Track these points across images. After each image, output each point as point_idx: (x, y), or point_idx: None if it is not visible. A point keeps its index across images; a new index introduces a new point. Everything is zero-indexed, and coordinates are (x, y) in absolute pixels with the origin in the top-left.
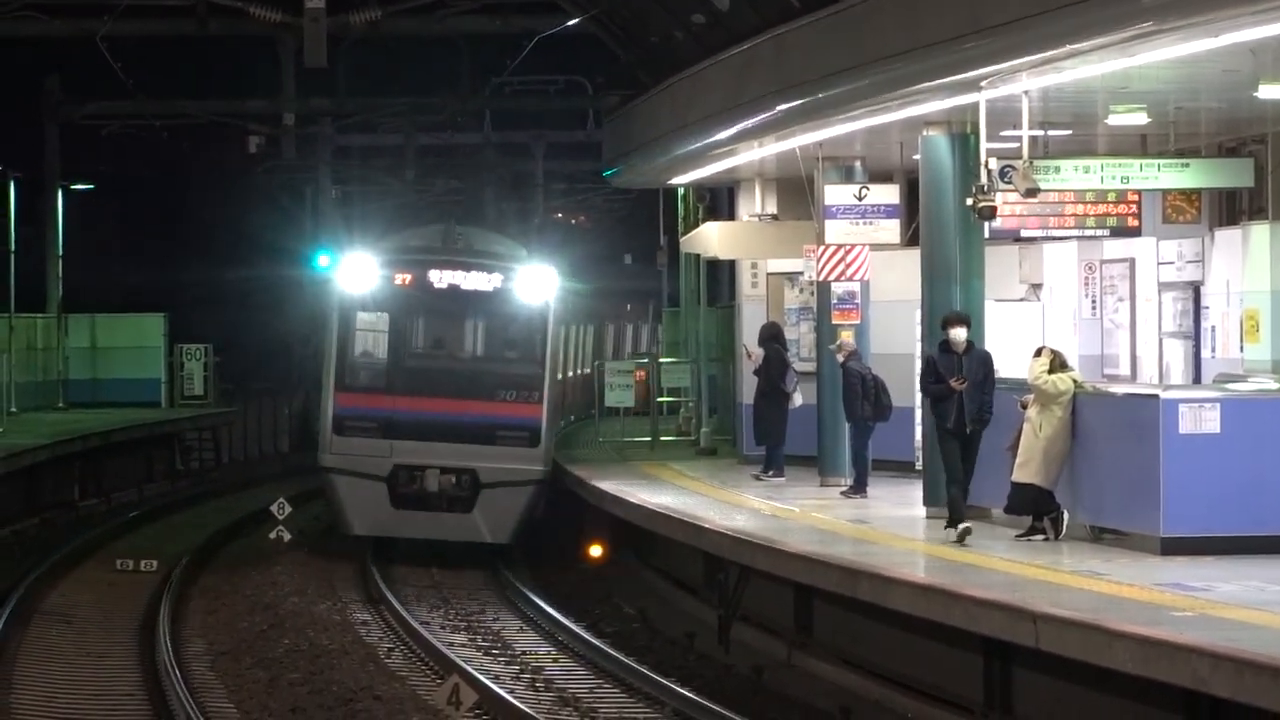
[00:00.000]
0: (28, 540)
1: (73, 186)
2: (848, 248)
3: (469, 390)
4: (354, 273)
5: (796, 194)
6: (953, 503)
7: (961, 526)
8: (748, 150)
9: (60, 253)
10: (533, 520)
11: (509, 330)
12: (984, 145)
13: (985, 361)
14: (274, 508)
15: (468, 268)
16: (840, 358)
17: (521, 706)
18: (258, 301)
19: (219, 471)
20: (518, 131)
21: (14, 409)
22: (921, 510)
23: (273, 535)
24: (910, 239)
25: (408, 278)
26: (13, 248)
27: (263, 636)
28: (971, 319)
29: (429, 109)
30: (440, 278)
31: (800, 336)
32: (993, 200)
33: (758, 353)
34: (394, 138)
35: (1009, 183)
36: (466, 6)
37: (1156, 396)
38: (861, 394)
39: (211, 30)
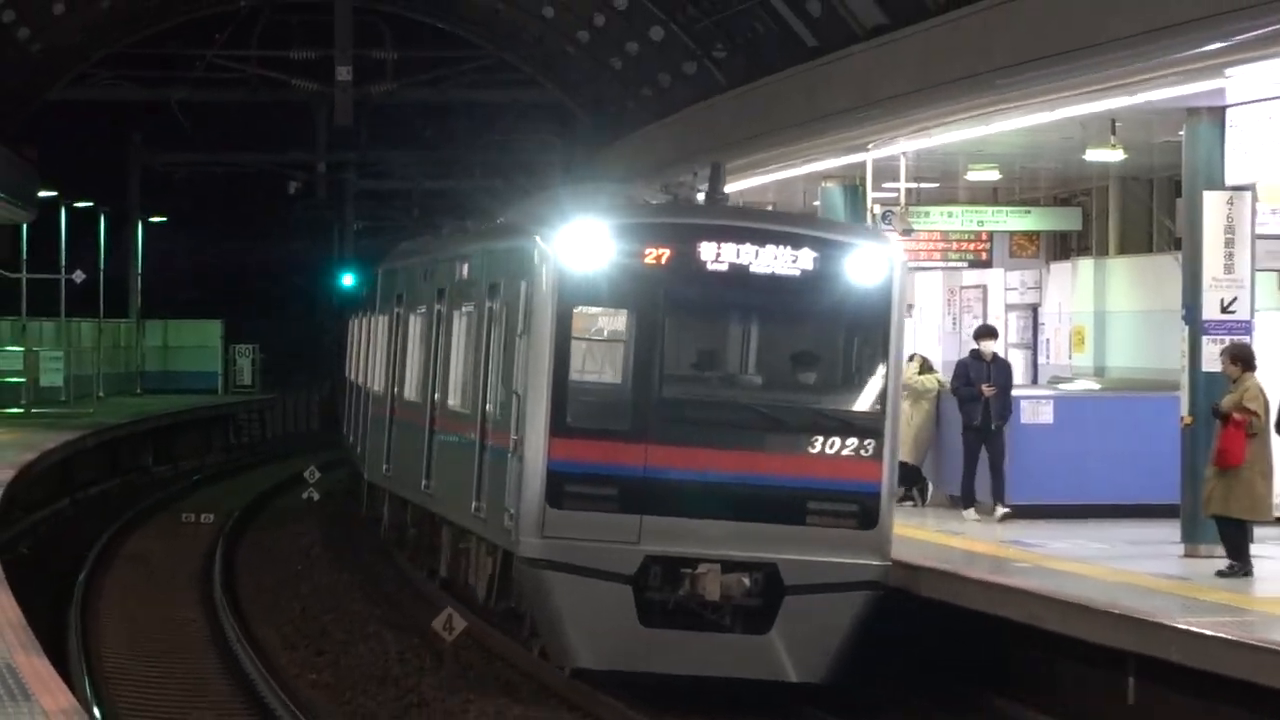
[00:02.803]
0: (112, 498)
1: (150, 219)
2: None
3: (766, 438)
4: (577, 246)
5: None
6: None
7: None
8: None
9: (140, 271)
10: (859, 646)
11: (830, 342)
12: (870, 194)
13: (1008, 370)
14: (306, 474)
15: (763, 239)
16: None
17: (501, 635)
18: (294, 311)
19: (264, 445)
20: (503, 179)
21: (102, 394)
22: None
23: (305, 495)
24: None
25: (664, 254)
26: (102, 266)
27: (297, 576)
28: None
29: (433, 161)
30: (718, 255)
31: None
32: None
33: None
34: (406, 183)
35: (889, 224)
36: (464, 81)
37: None
38: None
39: (261, 97)
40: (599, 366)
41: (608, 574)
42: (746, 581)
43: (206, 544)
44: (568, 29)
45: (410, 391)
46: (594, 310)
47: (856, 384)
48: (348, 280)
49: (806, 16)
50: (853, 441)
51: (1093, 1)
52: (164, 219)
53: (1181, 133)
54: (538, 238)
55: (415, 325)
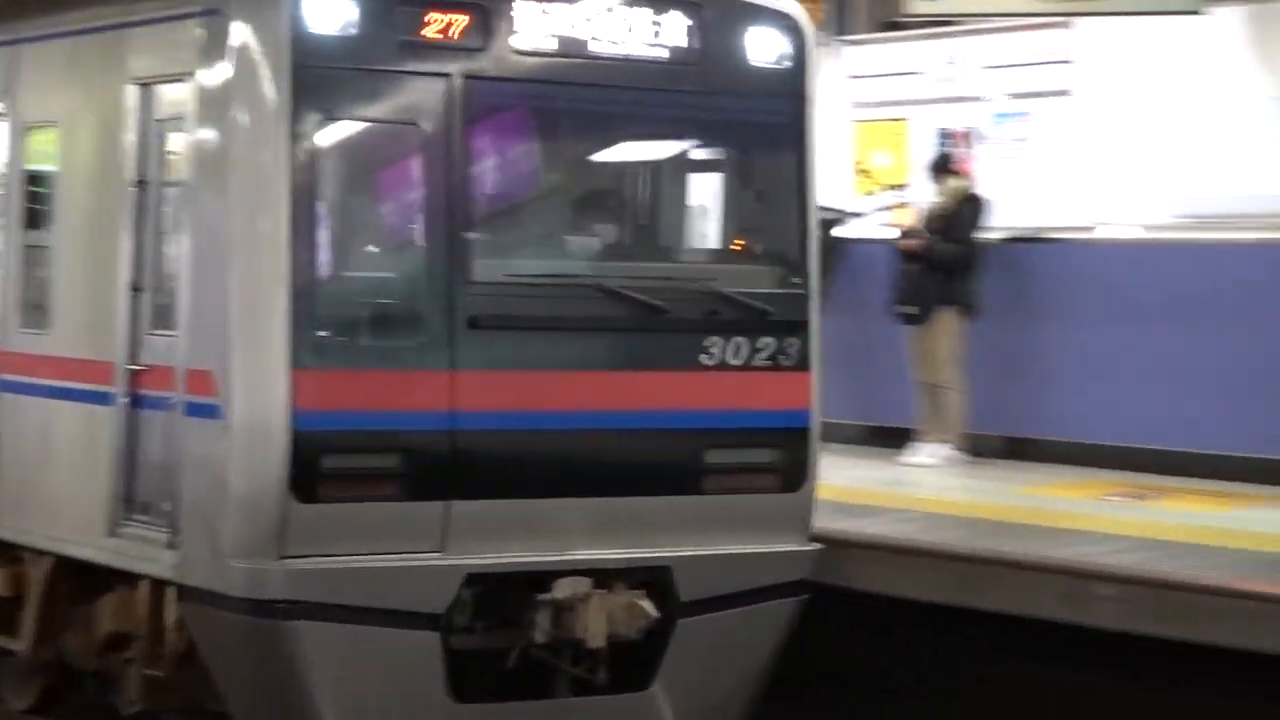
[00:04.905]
0: None
1: None
2: None
3: (637, 345)
4: (315, 15)
5: None
6: None
7: None
8: None
9: None
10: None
11: (720, 175)
12: None
13: None
14: None
15: None
16: None
17: None
18: None
19: None
20: None
21: None
22: None
23: None
24: None
25: (456, 25)
26: None
27: None
28: None
29: None
30: (543, 25)
31: None
32: None
33: None
34: None
35: None
36: None
37: None
38: None
39: None
40: (358, 236)
41: (398, 617)
42: (645, 606)
43: None
44: None
45: None
46: (349, 141)
47: (762, 244)
48: None
49: None
50: (767, 342)
51: None
52: None
53: None
54: (232, 9)
55: None
